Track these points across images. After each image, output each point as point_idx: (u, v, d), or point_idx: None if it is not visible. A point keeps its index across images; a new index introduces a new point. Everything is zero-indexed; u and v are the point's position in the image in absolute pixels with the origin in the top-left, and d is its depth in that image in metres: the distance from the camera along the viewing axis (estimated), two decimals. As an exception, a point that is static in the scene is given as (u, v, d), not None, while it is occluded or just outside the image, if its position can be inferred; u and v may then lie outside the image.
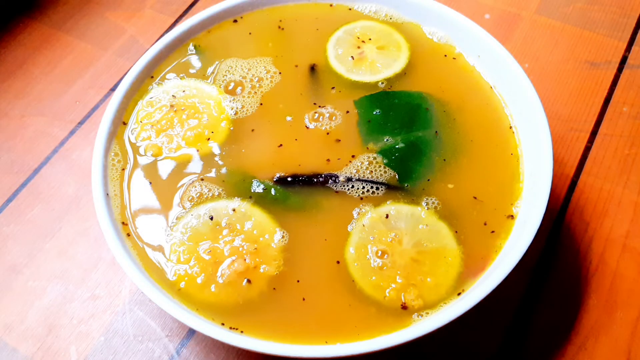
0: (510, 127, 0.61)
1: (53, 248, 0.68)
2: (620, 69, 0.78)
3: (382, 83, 0.64)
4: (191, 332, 0.61)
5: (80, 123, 0.78)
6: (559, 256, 0.64)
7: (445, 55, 0.67)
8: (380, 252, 0.54)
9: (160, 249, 0.55)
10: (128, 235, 0.55)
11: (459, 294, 0.52)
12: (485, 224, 0.56)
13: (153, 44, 0.66)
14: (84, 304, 0.64)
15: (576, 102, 0.76)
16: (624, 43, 0.81)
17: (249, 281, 0.53)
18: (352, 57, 0.67)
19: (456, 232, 0.55)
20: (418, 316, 0.51)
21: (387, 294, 0.52)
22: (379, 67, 0.66)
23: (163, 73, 0.65)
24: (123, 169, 0.59)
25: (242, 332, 0.50)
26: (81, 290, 0.65)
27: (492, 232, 0.55)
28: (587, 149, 0.72)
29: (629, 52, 0.80)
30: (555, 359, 0.58)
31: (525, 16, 0.85)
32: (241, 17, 0.70)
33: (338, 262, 0.54)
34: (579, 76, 0.78)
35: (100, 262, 0.67)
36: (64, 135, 0.77)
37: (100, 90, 0.81)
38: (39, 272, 0.66)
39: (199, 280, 0.53)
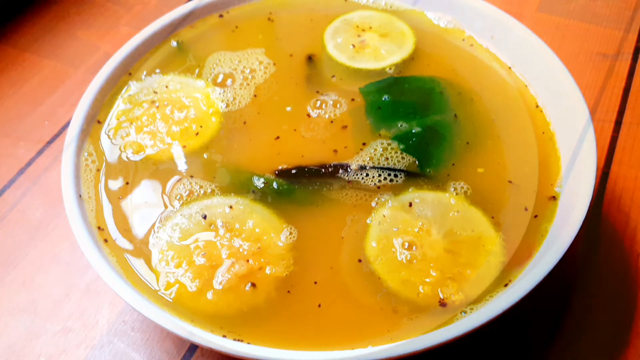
0: (537, 106, 0.55)
1: (17, 278, 0.58)
2: (635, 59, 0.73)
3: (390, 69, 0.58)
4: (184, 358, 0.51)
5: (49, 142, 0.69)
6: (602, 250, 0.57)
7: (456, 39, 0.61)
8: (407, 244, 0.46)
9: (145, 254, 0.46)
10: (105, 241, 0.46)
11: (505, 284, 0.44)
12: (526, 209, 0.48)
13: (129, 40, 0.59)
14: (53, 339, 0.54)
15: (594, 93, 0.70)
16: (634, 35, 0.76)
17: (253, 285, 0.44)
18: (352, 45, 0.60)
19: (492, 217, 0.47)
20: (461, 313, 0.42)
21: (422, 290, 0.43)
22: (384, 54, 0.59)
23: (143, 69, 0.58)
24: (98, 170, 0.51)
25: (248, 343, 0.41)
26: (50, 323, 0.55)
27: (535, 216, 0.48)
28: (614, 139, 0.66)
29: (641, 42, 0.75)
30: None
31: (527, 14, 0.80)
32: (227, 12, 0.63)
33: (360, 260, 0.45)
34: (593, 68, 0.73)
35: (72, 290, 0.57)
36: (30, 156, 0.68)
37: (71, 108, 0.72)
38: (0, 306, 0.56)
39: (193, 288, 0.44)
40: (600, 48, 0.75)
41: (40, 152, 0.68)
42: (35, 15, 0.84)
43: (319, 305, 0.44)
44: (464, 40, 0.61)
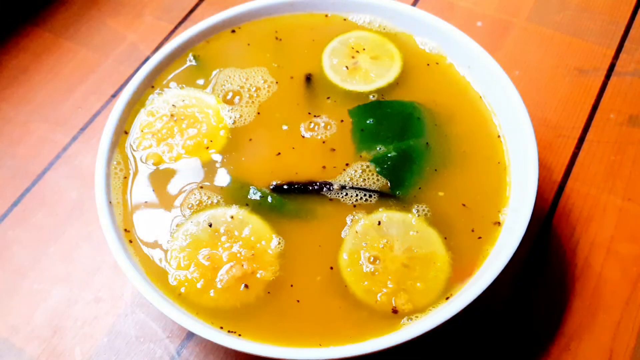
0: (499, 136, 0.64)
1: (57, 252, 0.70)
2: (608, 76, 0.80)
3: (373, 95, 0.66)
4: (191, 334, 0.63)
5: (82, 129, 0.80)
6: (546, 260, 0.67)
7: (437, 63, 0.69)
8: (372, 258, 0.56)
9: (161, 255, 0.57)
10: (130, 242, 0.57)
11: (447, 298, 0.55)
12: (472, 231, 0.58)
13: (153, 53, 0.69)
14: (87, 306, 0.66)
15: (565, 109, 0.78)
16: (612, 50, 0.83)
17: (246, 286, 0.55)
18: (346, 67, 0.69)
19: (445, 238, 0.58)
20: (408, 319, 0.53)
21: (379, 299, 0.54)
22: (372, 77, 0.68)
23: (163, 83, 0.67)
24: (125, 178, 0.61)
25: (239, 335, 0.53)
26: (85, 292, 0.67)
27: (479, 238, 0.58)
28: (575, 155, 0.74)
29: (617, 59, 0.82)
30: (540, 359, 0.61)
31: (517, 23, 0.87)
32: (239, 28, 0.72)
33: (332, 267, 0.56)
34: (568, 83, 0.80)
35: (103, 265, 0.69)
36: (66, 141, 0.79)
37: (102, 96, 0.83)
38: (43, 275, 0.68)
39: (198, 286, 0.55)
40: (578, 63, 0.82)
41: (75, 138, 0.79)
42: (69, 1, 0.93)
43: (298, 301, 0.55)
44: (445, 69, 0.69)
